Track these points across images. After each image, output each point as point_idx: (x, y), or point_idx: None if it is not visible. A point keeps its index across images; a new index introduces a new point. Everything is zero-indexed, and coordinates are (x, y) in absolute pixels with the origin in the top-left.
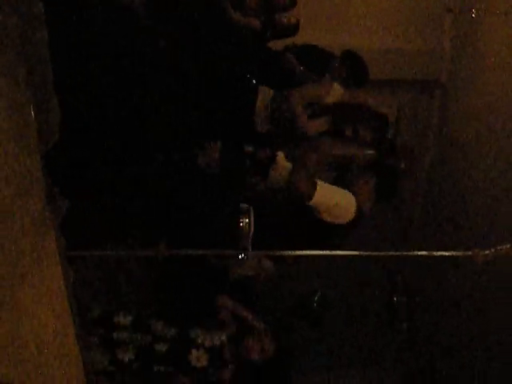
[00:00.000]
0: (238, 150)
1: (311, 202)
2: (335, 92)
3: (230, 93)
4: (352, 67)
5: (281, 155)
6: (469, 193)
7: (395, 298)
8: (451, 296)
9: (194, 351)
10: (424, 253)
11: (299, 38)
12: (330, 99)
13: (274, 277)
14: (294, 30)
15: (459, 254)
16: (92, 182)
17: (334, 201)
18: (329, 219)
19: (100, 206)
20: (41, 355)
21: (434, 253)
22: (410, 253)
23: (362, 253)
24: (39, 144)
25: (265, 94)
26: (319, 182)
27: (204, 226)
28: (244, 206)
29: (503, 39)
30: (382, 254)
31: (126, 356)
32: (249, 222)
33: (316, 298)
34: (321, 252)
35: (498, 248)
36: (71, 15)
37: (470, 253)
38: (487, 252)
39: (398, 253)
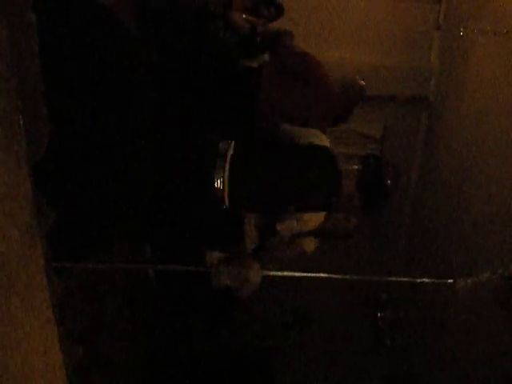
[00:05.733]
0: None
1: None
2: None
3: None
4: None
5: None
6: (456, 210)
7: (379, 314)
8: (435, 313)
9: None
10: (405, 279)
11: None
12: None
13: (259, 289)
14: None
15: (440, 281)
16: (80, 192)
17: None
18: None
19: (88, 217)
20: (25, 366)
21: (416, 280)
22: (392, 278)
23: (343, 276)
24: (27, 154)
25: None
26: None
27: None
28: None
29: (490, 57)
30: (364, 278)
31: None
32: (223, 181)
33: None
34: (303, 274)
35: (479, 276)
36: (63, 26)
37: (450, 281)
38: (468, 280)
39: (379, 278)
